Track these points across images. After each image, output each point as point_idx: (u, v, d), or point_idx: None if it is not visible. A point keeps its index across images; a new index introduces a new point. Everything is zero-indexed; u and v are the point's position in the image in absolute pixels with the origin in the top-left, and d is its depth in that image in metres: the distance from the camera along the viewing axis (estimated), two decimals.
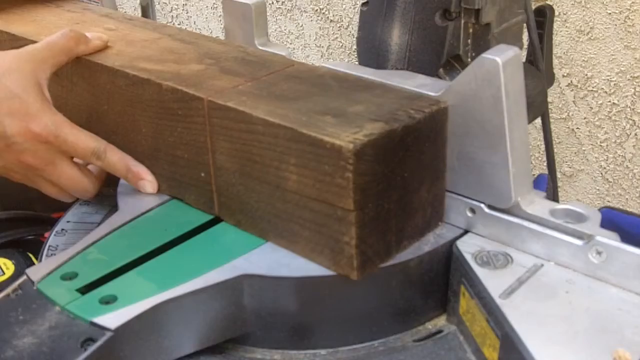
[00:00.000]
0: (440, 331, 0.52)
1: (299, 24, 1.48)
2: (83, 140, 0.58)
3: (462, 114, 0.50)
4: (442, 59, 0.73)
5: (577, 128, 1.19)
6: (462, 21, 0.67)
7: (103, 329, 0.44)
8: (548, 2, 1.06)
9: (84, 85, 0.62)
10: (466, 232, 0.53)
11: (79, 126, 0.58)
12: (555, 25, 0.84)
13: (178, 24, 1.72)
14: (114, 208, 0.62)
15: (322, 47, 1.46)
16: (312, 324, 0.50)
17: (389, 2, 0.75)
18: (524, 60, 0.78)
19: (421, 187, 0.50)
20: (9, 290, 0.48)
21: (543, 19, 0.80)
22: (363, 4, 0.78)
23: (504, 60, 0.47)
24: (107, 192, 0.70)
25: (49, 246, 0.64)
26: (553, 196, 0.89)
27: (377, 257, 0.48)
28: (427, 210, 0.51)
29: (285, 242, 0.51)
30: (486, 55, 0.47)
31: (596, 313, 0.45)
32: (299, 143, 0.46)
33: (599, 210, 0.51)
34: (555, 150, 0.90)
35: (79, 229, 0.67)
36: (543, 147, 0.90)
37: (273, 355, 0.51)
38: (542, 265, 0.49)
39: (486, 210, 0.52)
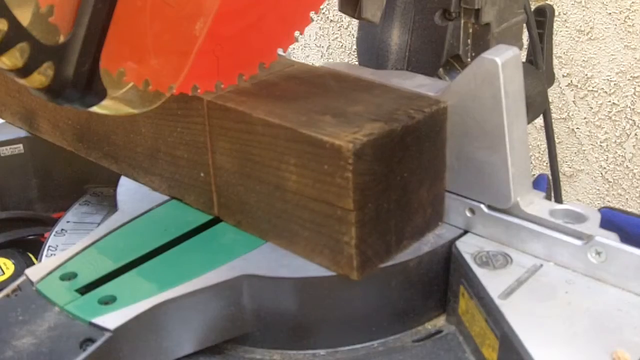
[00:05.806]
0: (439, 331, 0.52)
1: None
2: None
3: (461, 114, 0.50)
4: (442, 59, 0.73)
5: (577, 128, 1.19)
6: (462, 21, 0.67)
7: (102, 329, 0.44)
8: (548, 2, 1.06)
9: None
10: (466, 232, 0.53)
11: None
12: (555, 25, 0.84)
13: None
14: (113, 208, 0.62)
15: (322, 47, 1.46)
16: (312, 324, 0.50)
17: (389, 2, 0.74)
18: (524, 60, 0.78)
19: (421, 187, 0.50)
20: (8, 290, 0.48)
21: (543, 18, 0.80)
22: None
23: (503, 60, 0.47)
24: (107, 192, 0.70)
25: (49, 246, 0.65)
26: (555, 196, 0.89)
27: (376, 257, 0.48)
28: (426, 211, 0.51)
29: (285, 242, 0.51)
30: (485, 55, 0.47)
31: (595, 313, 0.45)
32: (298, 143, 0.46)
33: (599, 210, 0.51)
34: None
35: (79, 229, 0.67)
36: (543, 147, 0.90)
37: (272, 356, 0.51)
38: (541, 265, 0.49)
39: (486, 210, 0.52)
